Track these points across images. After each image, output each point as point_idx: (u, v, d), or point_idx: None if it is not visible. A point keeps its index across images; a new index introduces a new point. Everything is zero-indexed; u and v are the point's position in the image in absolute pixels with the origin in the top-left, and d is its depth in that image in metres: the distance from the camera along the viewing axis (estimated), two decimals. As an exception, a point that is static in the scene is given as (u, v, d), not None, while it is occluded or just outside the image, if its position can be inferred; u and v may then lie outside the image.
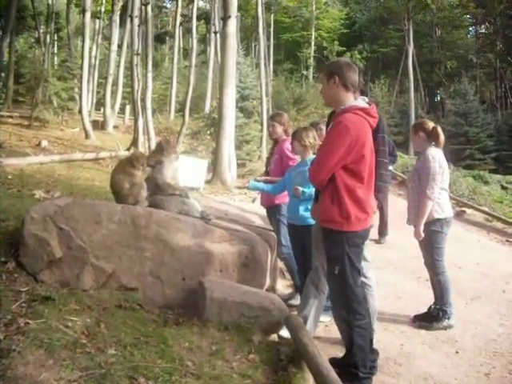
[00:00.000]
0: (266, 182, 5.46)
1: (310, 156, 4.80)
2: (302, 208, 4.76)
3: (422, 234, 4.79)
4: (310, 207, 4.57)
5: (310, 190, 4.59)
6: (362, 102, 3.69)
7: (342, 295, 3.60)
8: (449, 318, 4.87)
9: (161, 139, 5.85)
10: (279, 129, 5.64)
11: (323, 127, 5.39)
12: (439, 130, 4.98)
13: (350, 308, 3.58)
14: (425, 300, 5.24)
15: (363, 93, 4.14)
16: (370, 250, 4.38)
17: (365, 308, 3.71)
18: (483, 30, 44.36)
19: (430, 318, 4.91)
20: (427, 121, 5.19)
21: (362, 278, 3.85)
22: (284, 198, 5.29)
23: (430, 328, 4.83)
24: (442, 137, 4.95)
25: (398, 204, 9.81)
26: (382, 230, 8.37)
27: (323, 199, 3.58)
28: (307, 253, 4.65)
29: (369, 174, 3.55)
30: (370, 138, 3.57)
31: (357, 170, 3.48)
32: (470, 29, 46.35)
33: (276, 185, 5.22)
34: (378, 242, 8.22)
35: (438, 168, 4.77)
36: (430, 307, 4.98)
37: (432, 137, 4.94)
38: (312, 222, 4.43)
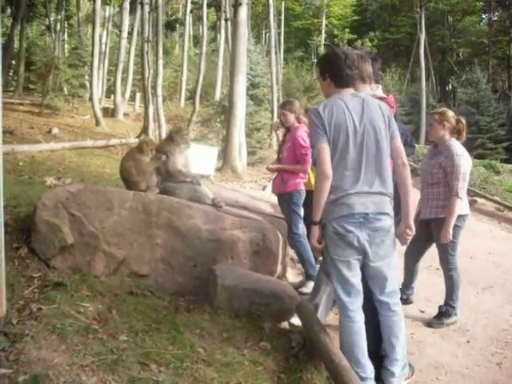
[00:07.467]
0: (279, 169, 5.46)
1: None
2: None
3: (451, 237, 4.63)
4: None
5: None
6: (379, 91, 3.69)
7: None
8: (456, 314, 4.81)
9: (171, 128, 5.85)
10: (291, 117, 5.61)
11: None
12: (464, 122, 4.77)
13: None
14: (435, 288, 5.21)
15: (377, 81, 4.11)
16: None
17: None
18: (496, 18, 43.67)
19: (439, 314, 4.83)
20: (450, 111, 4.98)
21: None
22: (296, 186, 5.28)
23: (440, 325, 4.75)
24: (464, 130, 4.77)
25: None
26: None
27: None
28: None
29: None
30: None
31: None
32: (484, 16, 45.70)
33: None
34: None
35: (468, 166, 4.60)
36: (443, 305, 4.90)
37: (456, 129, 4.71)
38: None
